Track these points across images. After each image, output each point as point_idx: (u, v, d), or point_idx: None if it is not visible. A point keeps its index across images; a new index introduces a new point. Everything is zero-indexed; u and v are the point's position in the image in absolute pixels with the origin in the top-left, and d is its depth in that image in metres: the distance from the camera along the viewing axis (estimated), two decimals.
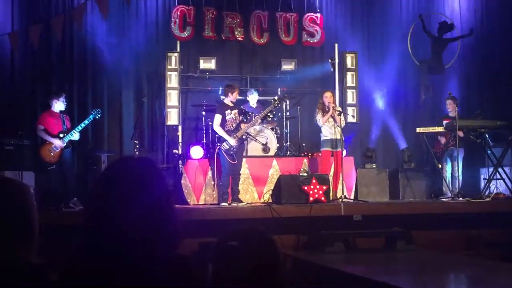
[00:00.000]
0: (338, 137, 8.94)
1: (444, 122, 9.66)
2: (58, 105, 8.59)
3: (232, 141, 8.54)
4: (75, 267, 1.72)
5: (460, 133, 9.28)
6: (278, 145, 9.79)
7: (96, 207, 1.76)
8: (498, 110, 10.50)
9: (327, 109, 9.02)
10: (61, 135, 8.40)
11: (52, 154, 8.33)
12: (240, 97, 9.53)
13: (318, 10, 11.30)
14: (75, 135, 8.52)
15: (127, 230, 1.68)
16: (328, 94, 9.11)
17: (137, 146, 9.31)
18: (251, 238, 1.89)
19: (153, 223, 1.73)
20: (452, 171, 9.66)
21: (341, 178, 9.00)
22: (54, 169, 8.40)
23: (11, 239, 1.80)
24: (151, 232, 1.71)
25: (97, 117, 8.85)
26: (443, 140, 9.82)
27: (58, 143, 8.33)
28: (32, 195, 1.92)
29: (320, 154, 9.35)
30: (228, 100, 8.75)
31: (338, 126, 8.95)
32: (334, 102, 9.17)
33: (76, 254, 1.76)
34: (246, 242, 1.86)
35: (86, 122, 8.70)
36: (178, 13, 10.71)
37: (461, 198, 8.79)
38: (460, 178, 9.45)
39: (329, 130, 9.05)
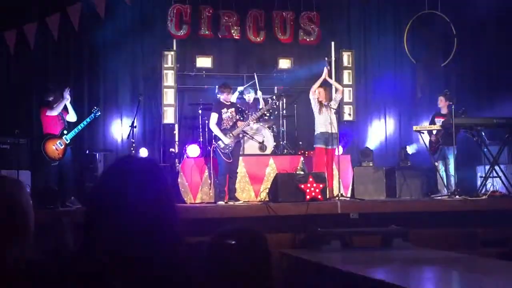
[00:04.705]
0: (333, 131, 8.95)
1: (436, 119, 9.72)
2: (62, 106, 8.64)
3: (226, 140, 8.54)
4: (76, 265, 1.72)
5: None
6: (274, 143, 9.80)
7: (97, 204, 1.76)
8: (494, 108, 10.51)
9: (323, 104, 9.06)
10: (65, 132, 8.46)
11: (57, 151, 8.36)
12: (238, 98, 9.54)
13: (314, 8, 11.29)
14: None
15: (128, 229, 1.69)
16: (320, 90, 9.15)
17: (134, 145, 9.30)
18: (243, 237, 1.90)
19: (155, 222, 1.73)
20: (445, 169, 9.67)
21: (337, 176, 9.02)
22: (52, 168, 8.41)
23: (6, 237, 1.80)
24: (152, 230, 1.72)
25: (97, 116, 8.91)
26: (433, 138, 9.82)
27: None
28: (27, 192, 1.92)
29: (313, 152, 9.36)
30: (223, 98, 8.76)
31: (333, 122, 8.97)
32: (327, 98, 9.17)
33: (77, 252, 1.76)
34: (238, 241, 1.86)
35: (88, 120, 8.76)
36: (174, 11, 10.68)
37: (457, 196, 8.79)
38: (452, 175, 9.41)
39: (323, 124, 9.06)
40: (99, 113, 8.98)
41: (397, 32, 11.73)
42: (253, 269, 1.83)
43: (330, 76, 9.62)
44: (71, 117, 8.73)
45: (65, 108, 8.70)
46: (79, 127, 8.62)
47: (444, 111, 9.71)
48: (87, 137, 10.13)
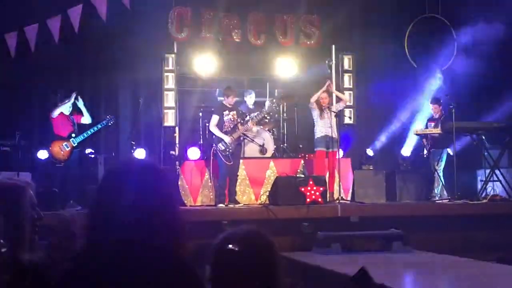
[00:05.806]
0: (334, 135, 8.96)
1: (429, 124, 9.82)
2: (65, 108, 8.65)
3: (227, 139, 8.55)
4: (78, 268, 1.72)
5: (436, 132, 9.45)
6: (275, 146, 9.80)
7: (100, 208, 1.76)
8: (495, 112, 10.51)
9: (323, 108, 9.08)
10: (73, 135, 8.48)
11: (62, 152, 8.38)
12: (238, 98, 9.53)
13: (315, 11, 11.28)
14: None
15: (130, 231, 1.69)
16: (323, 95, 9.17)
17: (134, 147, 9.30)
18: (250, 241, 1.89)
19: (157, 224, 1.73)
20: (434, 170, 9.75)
21: (338, 179, 9.02)
22: (54, 170, 8.42)
23: (3, 239, 1.80)
24: (154, 232, 1.72)
25: (110, 124, 8.92)
26: (425, 141, 9.91)
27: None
28: (25, 194, 1.91)
29: (314, 155, 9.37)
30: (227, 101, 8.78)
31: (334, 125, 8.99)
32: (330, 103, 9.22)
33: (79, 255, 1.76)
34: (245, 245, 1.85)
35: (100, 126, 8.78)
36: (175, 14, 10.68)
37: (448, 200, 8.81)
38: (442, 178, 9.50)
39: (323, 128, 9.07)
40: (112, 121, 8.99)
41: (398, 35, 11.73)
42: (260, 275, 1.82)
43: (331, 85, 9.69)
44: (86, 119, 8.78)
45: (80, 112, 8.76)
46: (88, 131, 8.68)
47: (436, 116, 9.85)
48: (88, 139, 10.11)
